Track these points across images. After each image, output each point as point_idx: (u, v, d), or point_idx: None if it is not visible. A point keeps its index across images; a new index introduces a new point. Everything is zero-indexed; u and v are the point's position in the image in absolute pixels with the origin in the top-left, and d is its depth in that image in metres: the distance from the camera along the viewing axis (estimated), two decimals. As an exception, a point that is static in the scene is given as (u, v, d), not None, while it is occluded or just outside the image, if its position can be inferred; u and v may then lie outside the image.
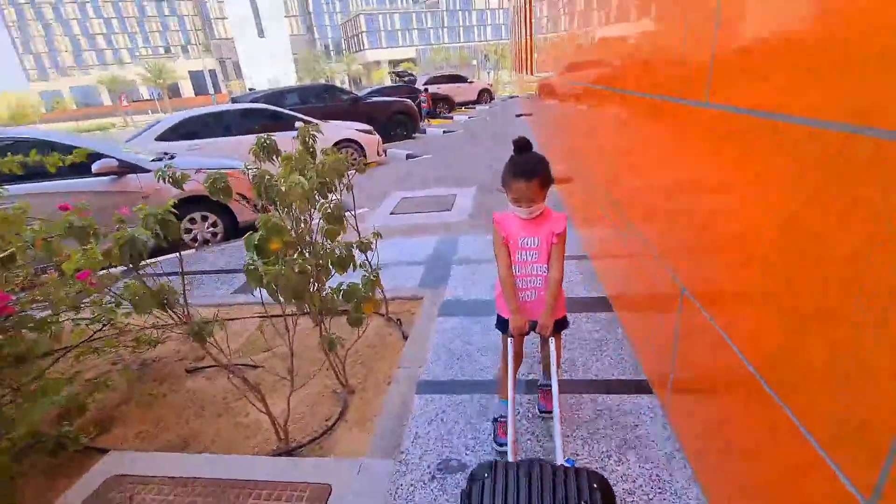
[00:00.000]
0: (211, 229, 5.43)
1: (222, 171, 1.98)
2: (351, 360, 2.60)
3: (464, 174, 7.41)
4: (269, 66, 56.47)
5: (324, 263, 2.16)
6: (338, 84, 54.70)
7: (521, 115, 14.47)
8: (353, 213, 2.84)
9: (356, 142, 8.87)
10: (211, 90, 54.32)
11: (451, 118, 16.98)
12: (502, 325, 1.82)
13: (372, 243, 2.75)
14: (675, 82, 1.71)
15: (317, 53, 59.17)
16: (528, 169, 1.59)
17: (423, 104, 14.57)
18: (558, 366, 1.69)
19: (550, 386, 1.65)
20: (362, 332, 2.53)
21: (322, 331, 2.22)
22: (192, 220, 5.29)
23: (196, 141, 7.17)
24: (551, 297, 1.67)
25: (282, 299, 1.82)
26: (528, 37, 10.76)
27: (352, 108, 11.24)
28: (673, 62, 1.74)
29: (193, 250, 5.09)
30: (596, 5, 3.16)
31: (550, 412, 1.93)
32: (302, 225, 2.24)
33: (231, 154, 7.23)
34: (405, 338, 2.86)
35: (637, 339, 2.47)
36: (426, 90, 15.61)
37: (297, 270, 1.80)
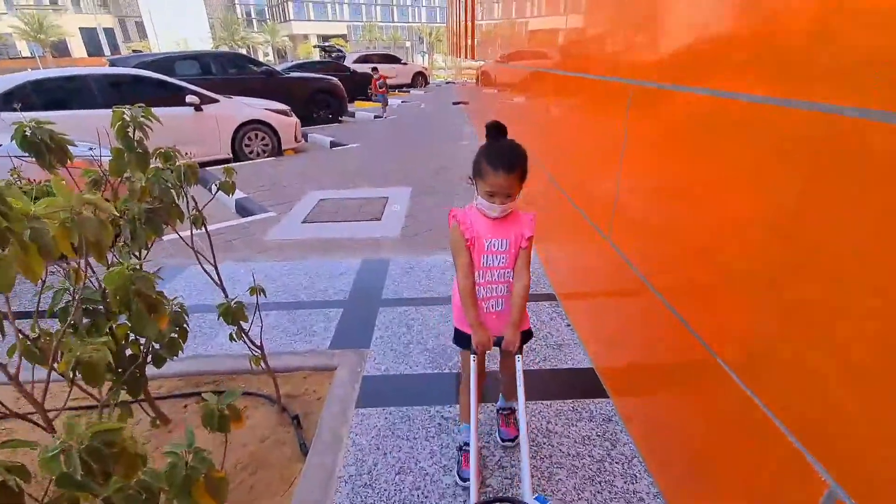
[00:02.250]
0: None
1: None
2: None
3: (397, 170, 6.36)
4: (180, 29, 50.53)
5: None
6: (262, 57, 50.23)
7: (458, 102, 13.59)
8: (210, 260, 1.76)
9: (267, 124, 7.44)
10: (107, 51, 47.43)
11: (386, 101, 15.67)
12: (461, 340, 1.59)
13: (251, 303, 1.70)
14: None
15: (237, 18, 53.76)
16: (510, 160, 1.37)
17: (380, 88, 12.34)
18: (524, 379, 1.48)
19: (513, 409, 1.67)
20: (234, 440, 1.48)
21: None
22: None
23: (38, 114, 5.41)
24: (517, 309, 1.49)
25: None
26: (470, 20, 9.82)
27: (266, 84, 9.64)
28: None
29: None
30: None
31: (513, 440, 1.79)
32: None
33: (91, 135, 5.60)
34: (304, 452, 1.84)
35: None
36: (375, 69, 13.03)
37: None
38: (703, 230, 1.29)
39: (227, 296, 1.82)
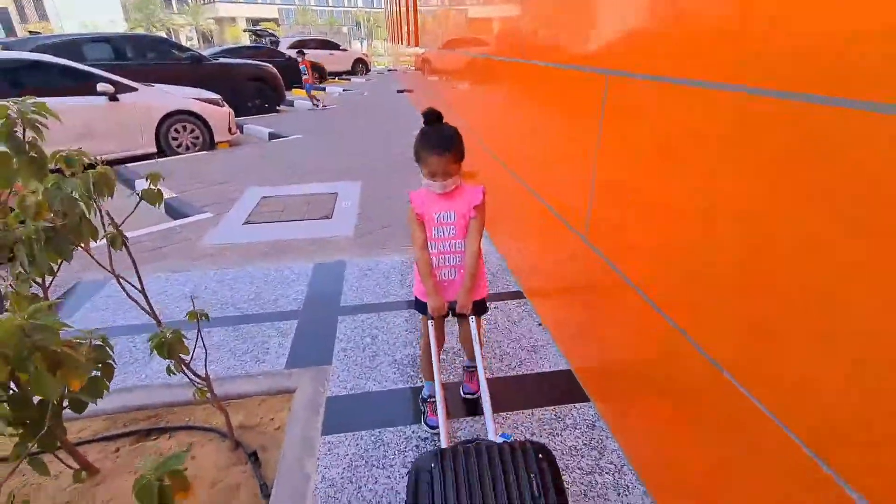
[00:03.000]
0: None
1: None
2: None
3: (344, 163, 6.03)
4: (87, 10, 45.70)
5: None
6: (185, 41, 46.41)
7: (402, 90, 13.25)
8: (135, 283, 1.49)
9: (196, 115, 6.80)
10: (0, 32, 41.96)
11: (324, 90, 15.00)
12: (420, 307, 1.74)
13: (192, 331, 1.45)
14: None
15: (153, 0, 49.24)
16: (443, 142, 1.51)
17: (304, 76, 11.45)
18: (481, 344, 1.63)
19: (475, 367, 1.74)
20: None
21: None
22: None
23: None
24: (469, 274, 1.62)
25: None
26: (412, 6, 9.50)
27: (193, 71, 8.84)
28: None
29: None
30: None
31: (474, 393, 1.99)
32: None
33: None
34: (265, 495, 1.61)
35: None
36: (301, 53, 11.99)
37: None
38: (685, 219, 1.21)
39: (159, 323, 1.53)
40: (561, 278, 2.29)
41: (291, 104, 11.72)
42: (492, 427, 1.33)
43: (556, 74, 2.06)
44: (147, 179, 1.48)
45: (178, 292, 2.92)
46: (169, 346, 1.46)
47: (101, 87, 5.87)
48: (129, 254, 1.48)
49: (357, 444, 1.78)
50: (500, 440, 1.17)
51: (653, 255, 1.43)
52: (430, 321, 1.66)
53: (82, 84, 5.84)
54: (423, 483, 1.04)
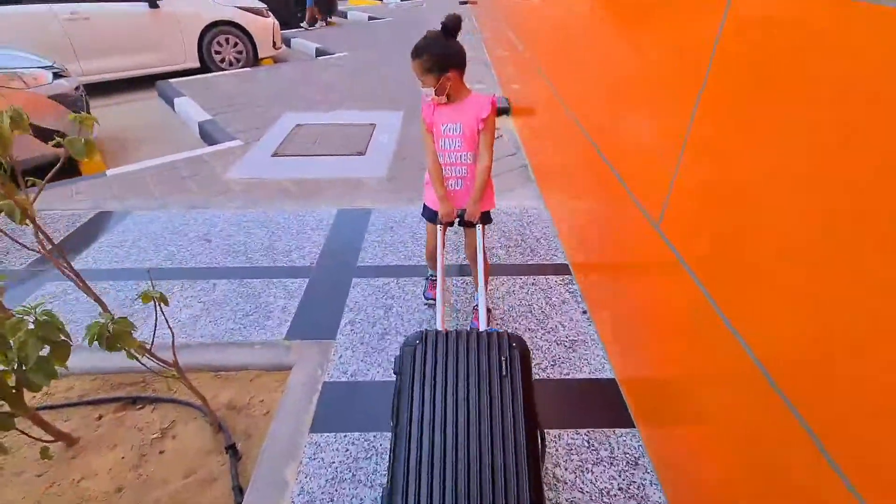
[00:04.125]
0: None
1: None
2: None
3: (390, 88, 5.47)
4: None
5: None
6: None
7: (465, 1, 11.91)
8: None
9: (239, 26, 6.35)
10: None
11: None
12: (429, 214, 1.84)
13: (160, 302, 1.17)
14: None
15: None
16: (415, 48, 1.55)
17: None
18: (484, 250, 1.73)
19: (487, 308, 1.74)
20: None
21: None
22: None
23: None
24: (479, 186, 1.67)
25: None
26: None
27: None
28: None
29: None
30: None
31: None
32: None
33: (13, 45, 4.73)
34: (237, 499, 1.42)
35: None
36: None
37: None
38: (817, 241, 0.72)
39: (104, 308, 1.27)
40: (620, 266, 1.82)
41: (344, 15, 10.88)
42: (483, 320, 1.46)
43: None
44: (78, 124, 1.13)
45: (194, 233, 2.73)
46: (113, 337, 1.20)
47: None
48: (41, 234, 1.16)
49: (346, 451, 1.53)
50: (485, 329, 1.24)
51: (750, 276, 0.95)
52: (438, 226, 1.76)
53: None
54: (407, 356, 1.17)
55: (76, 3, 5.23)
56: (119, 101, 5.57)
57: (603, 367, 1.83)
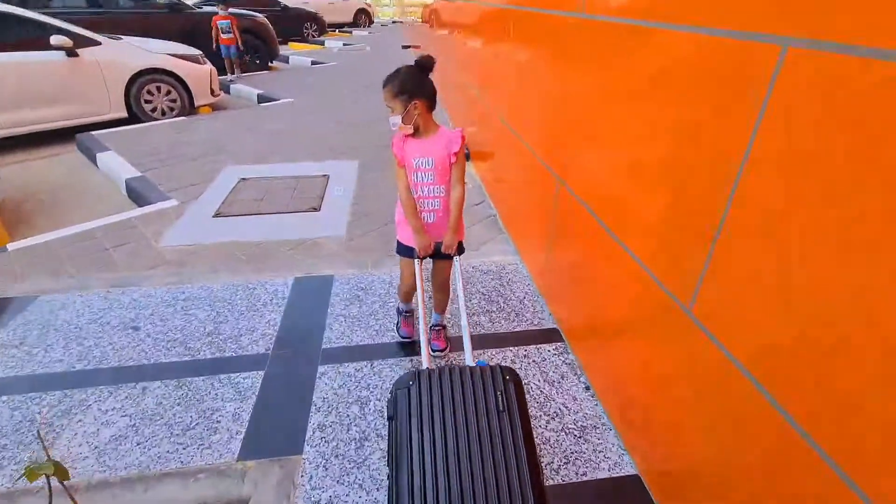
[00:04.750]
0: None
1: None
2: None
3: (340, 135, 5.23)
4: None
5: None
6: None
7: (408, 46, 12.10)
8: None
9: (172, 74, 5.94)
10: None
11: (323, 44, 13.82)
12: (404, 250, 1.84)
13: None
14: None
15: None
16: (388, 76, 1.61)
17: (225, 35, 7.99)
18: (462, 282, 1.75)
19: (443, 326, 2.09)
20: None
21: None
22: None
23: None
24: (454, 217, 1.71)
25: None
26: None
27: (172, 22, 7.86)
28: None
29: None
30: None
31: (443, 350, 2.04)
32: None
33: None
34: None
35: None
36: (224, 5, 7.97)
37: None
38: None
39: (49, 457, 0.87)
40: (618, 328, 1.62)
41: (286, 60, 10.68)
42: (469, 355, 1.45)
43: (659, 40, 1.30)
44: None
45: (117, 320, 2.28)
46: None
47: (55, 40, 5.01)
48: None
49: None
50: (476, 366, 1.22)
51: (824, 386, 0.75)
52: (415, 261, 1.76)
53: (37, 36, 4.99)
54: (401, 398, 1.12)
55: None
56: (32, 157, 4.94)
57: (621, 459, 1.59)
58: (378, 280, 2.58)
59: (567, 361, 2.01)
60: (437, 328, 2.08)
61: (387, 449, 1.09)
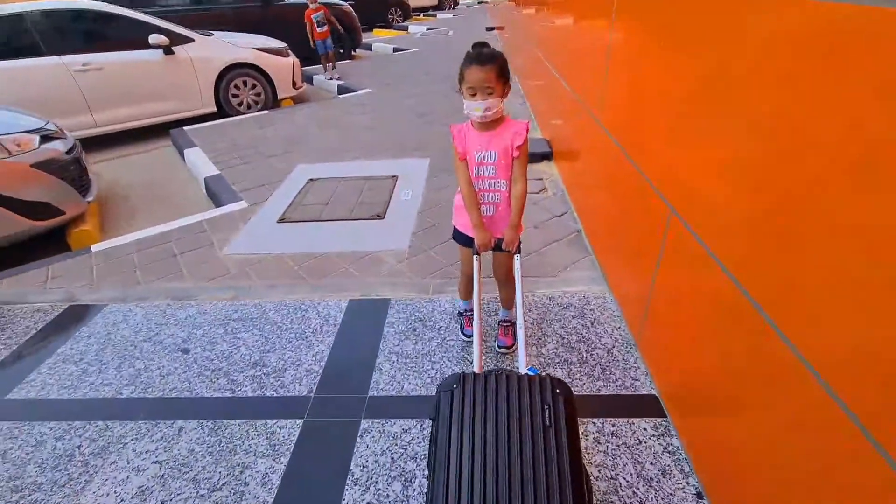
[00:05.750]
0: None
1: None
2: None
3: (415, 129, 4.96)
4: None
5: None
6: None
7: (492, 28, 11.53)
8: None
9: (257, 68, 6.04)
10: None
11: (406, 29, 13.68)
12: (462, 238, 1.80)
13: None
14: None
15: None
16: (484, 56, 1.49)
17: (320, 29, 7.49)
18: (521, 282, 1.61)
19: (511, 322, 1.96)
20: None
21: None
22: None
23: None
24: (516, 213, 1.64)
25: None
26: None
27: (262, 15, 8.07)
28: None
29: None
30: None
31: (510, 347, 1.97)
32: None
33: (24, 100, 4.47)
34: None
35: None
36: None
37: None
38: None
39: None
40: (749, 407, 1.13)
41: (369, 48, 10.64)
42: (523, 360, 1.37)
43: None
44: None
45: (170, 339, 2.20)
46: None
47: (153, 39, 5.25)
48: None
49: None
50: (525, 372, 1.17)
51: None
52: (473, 256, 1.67)
53: (137, 35, 5.26)
54: (444, 400, 1.10)
55: (89, 55, 5.00)
56: (132, 152, 5.27)
57: None
58: (439, 309, 2.26)
59: (670, 449, 1.54)
60: (505, 324, 2.02)
61: (427, 449, 1.04)
